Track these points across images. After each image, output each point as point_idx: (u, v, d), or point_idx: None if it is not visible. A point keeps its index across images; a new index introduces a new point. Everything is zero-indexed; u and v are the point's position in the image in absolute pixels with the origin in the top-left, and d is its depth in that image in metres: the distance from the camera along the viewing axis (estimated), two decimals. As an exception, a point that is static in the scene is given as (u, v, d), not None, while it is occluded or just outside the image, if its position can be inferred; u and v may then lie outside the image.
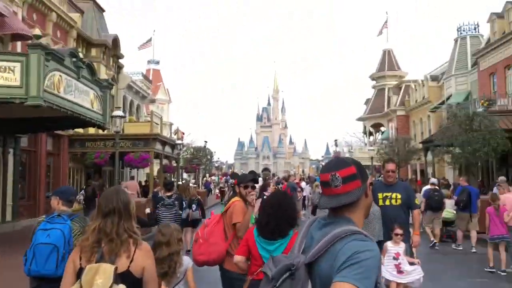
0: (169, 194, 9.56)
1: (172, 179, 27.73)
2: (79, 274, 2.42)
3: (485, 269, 8.88)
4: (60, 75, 10.83)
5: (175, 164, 27.36)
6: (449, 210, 12.69)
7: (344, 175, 1.76)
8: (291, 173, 72.86)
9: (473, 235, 11.58)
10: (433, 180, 14.55)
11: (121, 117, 14.30)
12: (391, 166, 6.21)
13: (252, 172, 8.53)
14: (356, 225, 1.75)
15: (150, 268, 2.55)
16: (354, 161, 1.84)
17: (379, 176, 27.78)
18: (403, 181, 9.64)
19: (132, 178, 24.66)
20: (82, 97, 12.11)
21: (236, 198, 4.75)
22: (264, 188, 9.78)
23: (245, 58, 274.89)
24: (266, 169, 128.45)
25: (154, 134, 21.83)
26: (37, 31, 10.54)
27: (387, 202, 6.08)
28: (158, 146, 22.85)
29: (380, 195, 6.08)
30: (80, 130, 20.00)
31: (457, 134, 16.66)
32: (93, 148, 20.53)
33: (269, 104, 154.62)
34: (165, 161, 26.22)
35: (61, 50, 11.39)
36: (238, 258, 3.80)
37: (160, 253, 3.63)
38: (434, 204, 12.26)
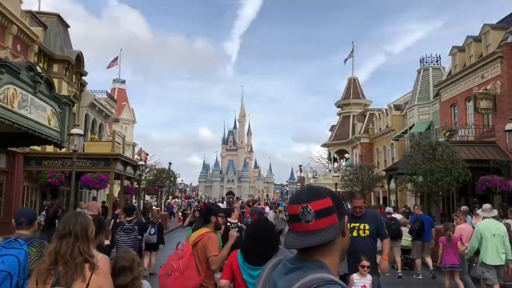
0: (129, 219, 9.29)
1: (134, 201, 26.88)
2: None
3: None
4: (15, 89, 10.21)
5: (136, 186, 26.54)
6: (406, 238, 12.85)
7: (317, 208, 1.48)
8: (255, 197, 72.53)
9: (428, 261, 11.86)
10: (388, 209, 14.68)
11: (79, 135, 13.67)
12: (359, 202, 6.00)
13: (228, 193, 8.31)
14: (330, 272, 1.45)
15: None
16: (330, 191, 1.56)
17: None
18: (372, 210, 9.57)
19: (94, 199, 23.70)
20: (38, 112, 11.47)
21: (207, 229, 4.62)
22: (228, 214, 9.48)
23: (214, 79, 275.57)
24: (230, 193, 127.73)
25: (116, 154, 21.12)
26: (-9, 42, 9.95)
27: (355, 233, 5.86)
28: (120, 167, 22.10)
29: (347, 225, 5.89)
30: (37, 148, 19.11)
31: (420, 162, 16.84)
32: (50, 167, 19.60)
33: (235, 127, 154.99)
34: (126, 182, 25.40)
35: (17, 63, 10.80)
36: (224, 282, 3.81)
37: (125, 279, 3.55)
38: (391, 233, 12.24)
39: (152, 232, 10.44)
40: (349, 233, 5.31)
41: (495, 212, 8.34)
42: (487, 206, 8.30)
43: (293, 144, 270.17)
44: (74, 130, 13.45)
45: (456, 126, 24.05)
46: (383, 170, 28.03)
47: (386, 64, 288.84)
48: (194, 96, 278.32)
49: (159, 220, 11.60)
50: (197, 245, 4.46)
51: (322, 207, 1.48)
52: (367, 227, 5.90)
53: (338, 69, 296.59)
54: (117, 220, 11.97)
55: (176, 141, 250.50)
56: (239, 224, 9.28)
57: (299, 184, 51.55)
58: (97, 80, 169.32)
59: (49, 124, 12.21)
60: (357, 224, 5.92)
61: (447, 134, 21.15)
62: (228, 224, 8.62)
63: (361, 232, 5.90)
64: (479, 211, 8.77)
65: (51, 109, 12.34)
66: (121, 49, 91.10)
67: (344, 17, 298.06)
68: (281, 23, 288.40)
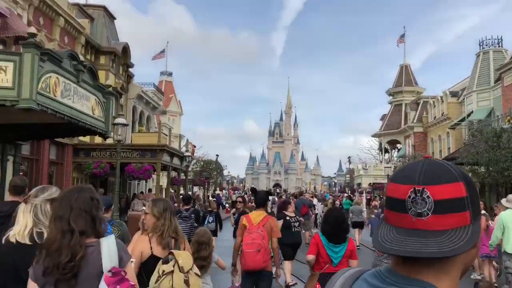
0: (187, 207, 9.99)
1: (182, 192, 26.88)
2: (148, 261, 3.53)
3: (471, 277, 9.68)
4: (57, 78, 10.01)
5: (183, 177, 26.47)
6: None
7: (441, 196, 0.89)
8: (302, 189, 71.62)
9: None
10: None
11: (123, 125, 13.46)
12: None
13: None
14: None
15: None
16: (464, 174, 0.94)
17: None
18: None
19: (149, 190, 23.92)
20: (82, 102, 11.27)
21: (264, 212, 5.96)
22: (283, 207, 9.84)
23: (261, 71, 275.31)
24: (277, 185, 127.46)
25: (162, 145, 21.01)
26: (32, 29, 9.79)
27: None
28: (166, 158, 22.02)
29: None
30: (86, 139, 19.29)
31: (483, 151, 15.51)
32: (98, 158, 19.77)
33: (281, 119, 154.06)
34: (173, 173, 25.40)
35: (59, 52, 10.63)
36: (311, 257, 5.03)
37: (205, 252, 4.73)
38: None
39: (210, 221, 11.22)
40: None
41: None
42: (511, 196, 8.38)
43: (340, 136, 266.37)
44: (118, 120, 13.26)
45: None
46: (444, 158, 26.43)
47: (438, 51, 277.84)
48: (240, 89, 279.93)
49: (216, 210, 13.12)
50: (264, 226, 5.60)
51: (449, 196, 0.89)
52: None
53: (386, 59, 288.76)
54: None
55: (222, 134, 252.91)
56: (298, 217, 10.03)
57: (348, 176, 50.21)
58: (144, 74, 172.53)
59: (93, 113, 12.03)
60: None
61: (511, 121, 19.50)
62: (288, 218, 9.46)
63: None
64: (503, 201, 8.71)
65: (95, 99, 12.14)
66: (167, 42, 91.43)
67: (394, 3, 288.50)
68: (328, 13, 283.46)
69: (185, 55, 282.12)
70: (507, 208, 8.09)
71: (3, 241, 2.76)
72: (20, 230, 2.72)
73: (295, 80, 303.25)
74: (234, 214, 11.67)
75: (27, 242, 2.69)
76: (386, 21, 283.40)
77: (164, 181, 24.93)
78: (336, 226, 4.97)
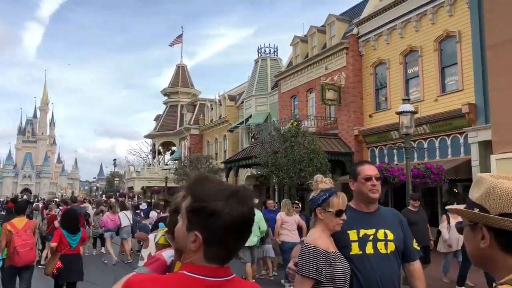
0: None
1: None
2: None
3: None
4: None
5: None
6: None
7: None
8: (57, 195, 63.24)
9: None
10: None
11: None
12: (373, 171, 3.10)
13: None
14: None
15: None
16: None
17: None
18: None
19: None
20: None
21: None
22: None
23: (11, 62, 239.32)
24: (26, 190, 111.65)
25: None
26: None
27: (369, 249, 2.95)
28: None
29: (352, 234, 2.94)
30: None
31: (282, 151, 14.98)
32: None
33: (35, 116, 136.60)
34: None
35: None
36: (54, 244, 7.09)
37: None
38: None
39: None
40: (357, 249, 2.83)
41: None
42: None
43: (97, 138, 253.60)
44: None
45: (297, 117, 23.38)
46: (223, 162, 25.95)
47: (208, 60, 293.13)
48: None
49: None
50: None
51: None
52: (390, 235, 3.02)
53: (153, 65, 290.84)
54: None
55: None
56: None
57: (117, 179, 46.41)
58: None
59: None
60: (371, 231, 3.00)
61: (294, 124, 20.00)
62: None
63: (380, 246, 2.99)
64: None
65: None
66: None
67: (162, 13, 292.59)
68: (94, 9, 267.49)
69: None
70: None
71: None
72: None
73: (53, 76, 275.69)
74: None
75: None
76: (153, 28, 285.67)
77: None
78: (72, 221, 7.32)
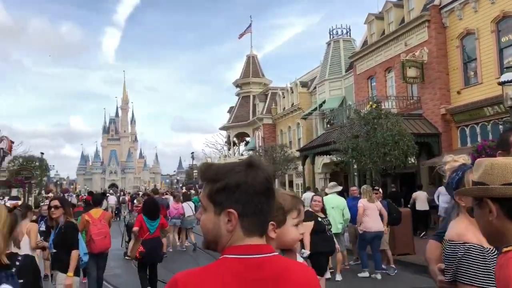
0: None
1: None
2: None
3: None
4: None
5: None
6: None
7: None
8: (141, 188, 66.32)
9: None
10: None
11: None
12: None
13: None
14: None
15: None
16: None
17: None
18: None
19: None
20: None
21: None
22: None
23: (92, 63, 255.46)
24: (113, 185, 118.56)
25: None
26: None
27: None
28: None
29: None
30: None
31: (364, 134, 14.01)
32: None
33: (117, 115, 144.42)
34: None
35: None
36: (136, 229, 8.16)
37: None
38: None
39: None
40: None
41: (338, 188, 10.57)
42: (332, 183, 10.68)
43: (174, 134, 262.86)
44: None
45: (375, 99, 22.07)
46: (298, 150, 25.28)
47: (278, 49, 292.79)
48: (66, 84, 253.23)
49: None
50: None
51: None
52: None
53: (224, 59, 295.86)
54: None
55: (44, 132, 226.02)
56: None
57: (196, 172, 47.41)
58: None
59: None
60: None
61: (374, 106, 18.82)
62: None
63: None
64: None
65: None
66: None
67: (229, 8, 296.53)
68: (166, 10, 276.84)
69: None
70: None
71: None
72: None
73: (132, 76, 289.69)
74: None
75: None
76: (224, 23, 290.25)
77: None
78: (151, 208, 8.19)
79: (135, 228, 7.94)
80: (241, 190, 1.30)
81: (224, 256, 1.29)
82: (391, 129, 13.89)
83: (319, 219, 7.22)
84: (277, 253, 1.33)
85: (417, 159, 18.30)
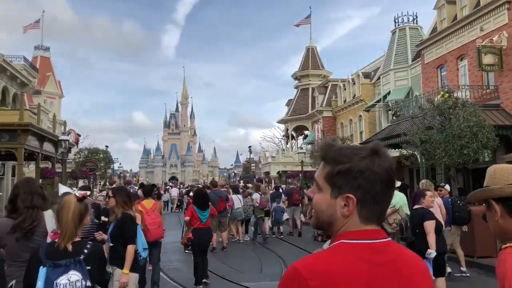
0: None
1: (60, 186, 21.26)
2: None
3: None
4: None
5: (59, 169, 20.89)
6: None
7: None
8: (199, 181, 67.18)
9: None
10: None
11: None
12: None
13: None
14: None
15: None
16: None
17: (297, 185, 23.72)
18: None
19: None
20: None
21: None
22: None
23: (155, 62, 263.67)
24: (173, 178, 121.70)
25: (25, 124, 15.63)
26: None
27: None
28: (33, 142, 16.66)
29: None
30: None
31: (439, 125, 12.90)
32: None
33: (177, 110, 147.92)
34: (46, 164, 19.87)
35: None
36: (187, 218, 8.82)
37: None
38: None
39: None
40: None
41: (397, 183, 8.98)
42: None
43: (231, 128, 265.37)
44: None
45: (447, 88, 20.55)
46: (361, 143, 24.21)
47: (335, 43, 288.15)
48: (130, 80, 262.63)
49: None
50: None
51: None
52: None
53: (280, 54, 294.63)
54: None
55: (109, 127, 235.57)
56: None
57: (253, 165, 47.37)
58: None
59: None
60: None
61: (445, 96, 17.46)
62: None
63: None
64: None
65: None
66: (43, 11, 77.10)
67: (286, 2, 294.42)
68: (222, 8, 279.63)
69: (63, 45, 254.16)
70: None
71: None
72: None
73: (191, 72, 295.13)
74: None
75: None
76: (280, 18, 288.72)
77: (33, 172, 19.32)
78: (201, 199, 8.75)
79: (187, 218, 8.60)
80: (365, 176, 1.25)
81: (341, 241, 1.24)
82: (469, 119, 12.67)
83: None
84: (390, 239, 1.30)
85: (494, 153, 16.79)
